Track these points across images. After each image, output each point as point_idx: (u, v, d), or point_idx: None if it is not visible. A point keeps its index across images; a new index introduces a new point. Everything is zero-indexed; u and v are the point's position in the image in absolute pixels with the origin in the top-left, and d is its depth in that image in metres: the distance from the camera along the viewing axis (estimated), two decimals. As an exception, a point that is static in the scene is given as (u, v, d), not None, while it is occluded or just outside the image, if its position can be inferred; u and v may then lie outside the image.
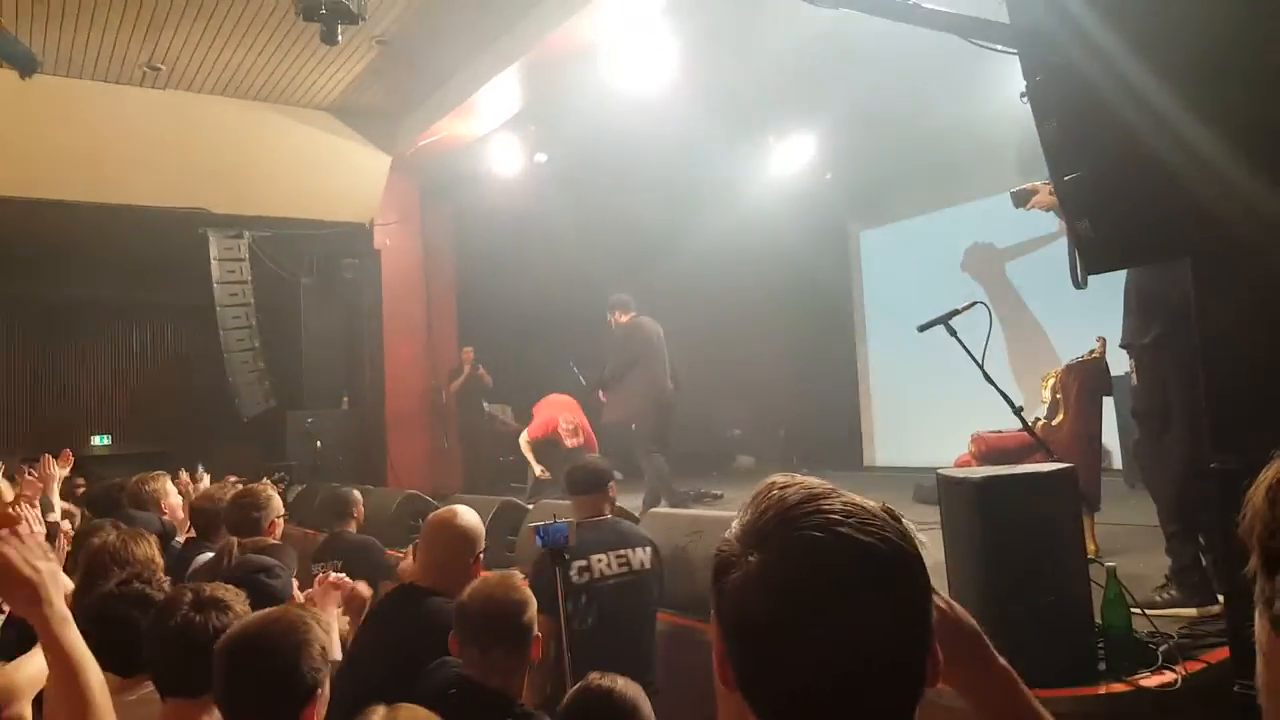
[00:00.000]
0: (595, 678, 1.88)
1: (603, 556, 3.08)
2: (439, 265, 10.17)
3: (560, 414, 7.45)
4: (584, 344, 9.03)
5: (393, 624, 2.60)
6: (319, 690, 1.72)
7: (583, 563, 3.08)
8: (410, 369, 9.79)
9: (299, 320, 9.78)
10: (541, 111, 8.10)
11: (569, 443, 7.33)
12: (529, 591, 2.26)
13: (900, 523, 0.80)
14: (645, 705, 1.83)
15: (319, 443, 9.37)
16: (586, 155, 8.96)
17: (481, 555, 2.75)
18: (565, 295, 9.85)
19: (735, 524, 0.83)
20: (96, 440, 9.74)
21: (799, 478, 0.84)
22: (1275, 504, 0.64)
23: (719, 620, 0.81)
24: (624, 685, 1.86)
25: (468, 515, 2.78)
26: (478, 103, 8.05)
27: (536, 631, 2.23)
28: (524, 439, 7.62)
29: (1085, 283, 2.75)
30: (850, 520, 0.76)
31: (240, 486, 4.18)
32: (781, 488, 0.82)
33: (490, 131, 8.60)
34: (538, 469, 7.52)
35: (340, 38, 5.97)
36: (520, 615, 2.18)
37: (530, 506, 5.24)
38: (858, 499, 0.80)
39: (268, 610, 1.85)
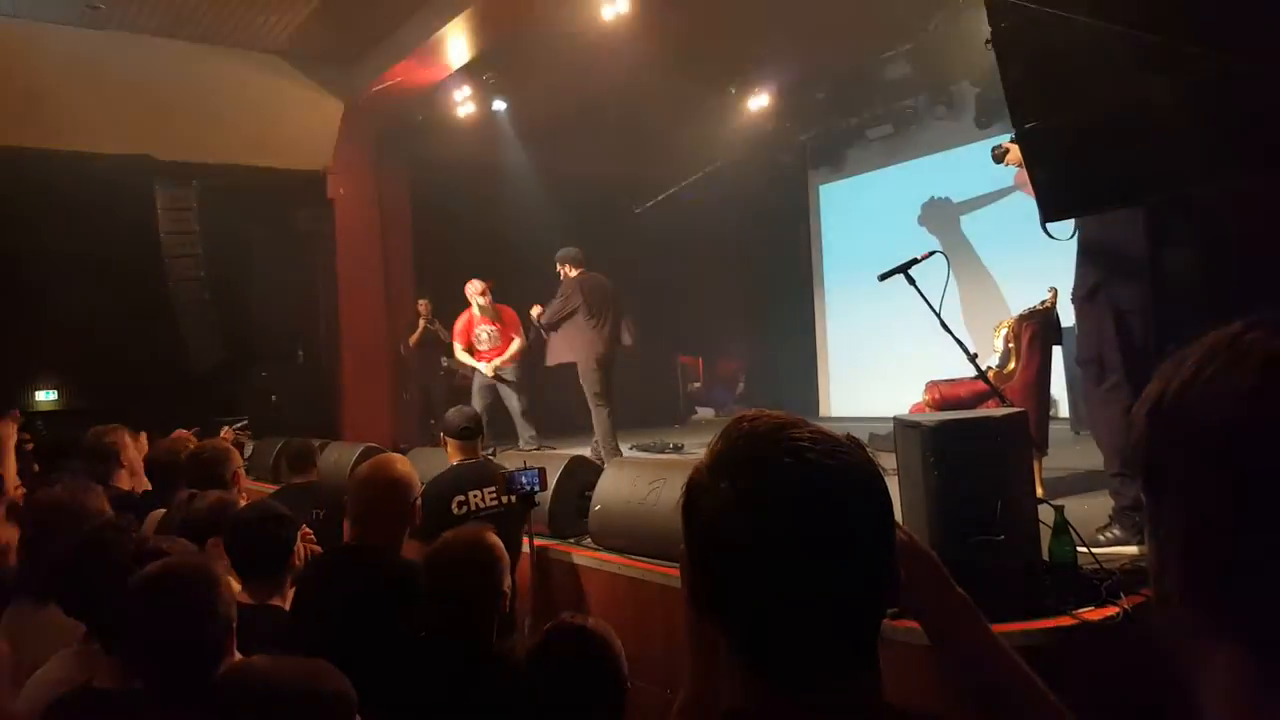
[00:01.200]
0: (566, 616, 1.91)
1: (478, 492, 3.57)
2: (395, 215, 9.97)
3: (466, 317, 7.35)
4: (543, 295, 8.97)
5: (336, 587, 2.49)
6: (232, 631, 1.70)
7: (461, 497, 3.55)
8: (366, 321, 9.64)
9: (251, 272, 9.55)
10: (499, 58, 7.93)
11: (480, 303, 7.25)
12: (500, 549, 2.27)
13: (864, 450, 0.83)
14: (616, 641, 1.87)
15: (274, 396, 9.22)
16: (544, 104, 8.82)
17: (418, 502, 2.65)
18: (524, 246, 9.75)
19: (705, 455, 0.84)
20: (42, 395, 9.47)
21: (767, 411, 0.86)
22: (1156, 426, 0.56)
23: (691, 547, 0.83)
24: (594, 622, 1.89)
25: (397, 464, 2.67)
26: (433, 47, 7.84)
27: (506, 587, 2.24)
28: (458, 350, 7.45)
29: (1072, 234, 2.79)
30: (818, 447, 0.79)
31: (194, 441, 4.12)
32: (751, 420, 0.84)
33: (447, 78, 8.40)
34: (484, 366, 7.35)
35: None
36: (490, 572, 2.18)
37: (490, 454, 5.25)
38: (824, 428, 0.83)
39: (165, 559, 1.82)
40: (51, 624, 2.22)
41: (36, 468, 4.95)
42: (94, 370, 8.92)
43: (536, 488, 3.21)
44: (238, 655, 1.83)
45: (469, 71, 8.22)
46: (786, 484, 0.76)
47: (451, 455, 3.89)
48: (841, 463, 0.78)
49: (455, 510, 3.51)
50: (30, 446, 5.58)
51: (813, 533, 0.75)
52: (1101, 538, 3.20)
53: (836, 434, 0.83)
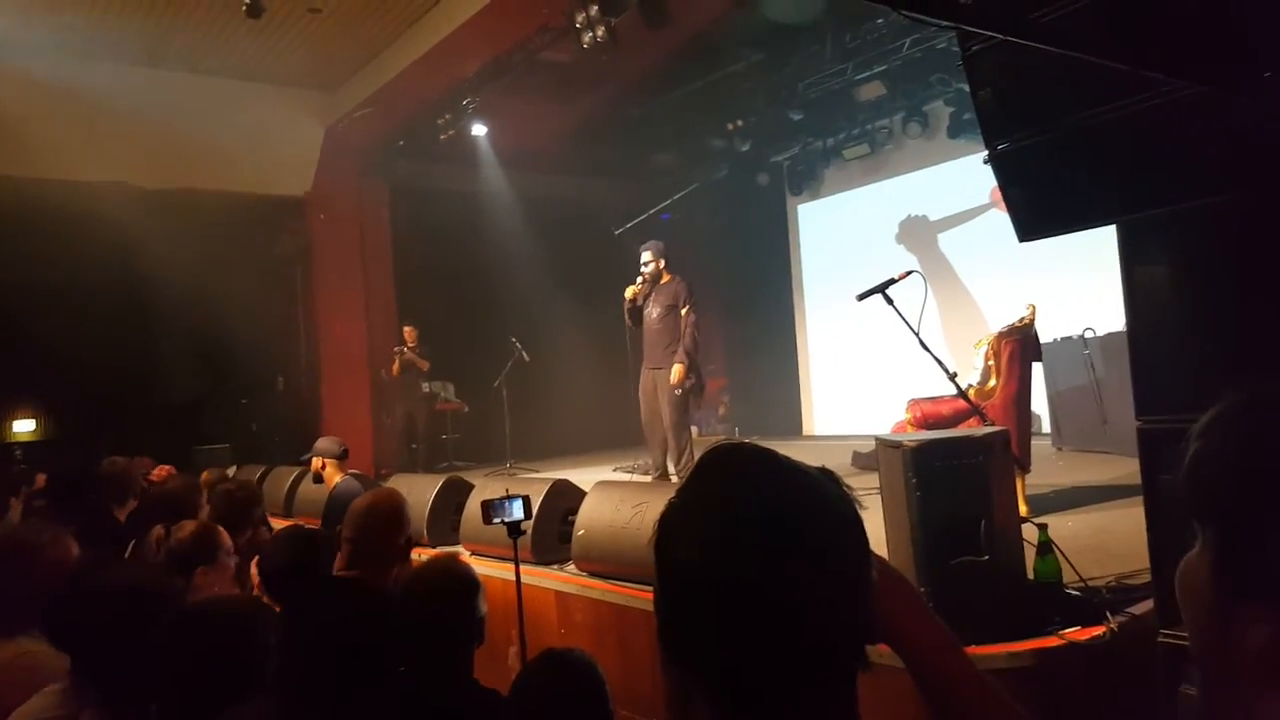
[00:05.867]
0: (551, 648, 1.90)
1: None
2: (375, 240, 9.95)
3: None
4: (524, 318, 8.95)
5: (321, 618, 2.47)
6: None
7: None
8: (347, 347, 9.59)
9: (230, 298, 9.48)
10: (479, 84, 7.95)
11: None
12: (475, 577, 2.23)
13: (839, 484, 0.82)
14: (600, 671, 1.85)
15: (254, 425, 9.15)
16: (525, 128, 8.86)
17: (410, 539, 2.63)
18: (504, 270, 9.75)
19: (677, 493, 0.83)
20: (20, 426, 9.35)
21: (740, 443, 0.85)
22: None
23: (662, 586, 0.81)
24: (579, 653, 1.88)
25: (395, 496, 2.67)
26: (413, 75, 7.86)
27: (483, 611, 2.20)
28: None
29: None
30: (792, 482, 0.78)
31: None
32: (724, 453, 0.83)
33: (426, 103, 8.42)
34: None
35: (266, 9, 5.82)
36: (468, 602, 2.15)
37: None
38: (797, 461, 0.82)
39: (211, 600, 1.82)
40: (27, 658, 2.18)
41: (40, 504, 4.81)
42: (73, 400, 8.82)
43: (520, 517, 3.15)
44: None
45: (450, 97, 8.24)
46: (760, 521, 0.75)
47: (332, 474, 4.64)
48: (816, 497, 0.77)
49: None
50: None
51: (787, 573, 0.73)
52: None
53: (810, 467, 0.82)
